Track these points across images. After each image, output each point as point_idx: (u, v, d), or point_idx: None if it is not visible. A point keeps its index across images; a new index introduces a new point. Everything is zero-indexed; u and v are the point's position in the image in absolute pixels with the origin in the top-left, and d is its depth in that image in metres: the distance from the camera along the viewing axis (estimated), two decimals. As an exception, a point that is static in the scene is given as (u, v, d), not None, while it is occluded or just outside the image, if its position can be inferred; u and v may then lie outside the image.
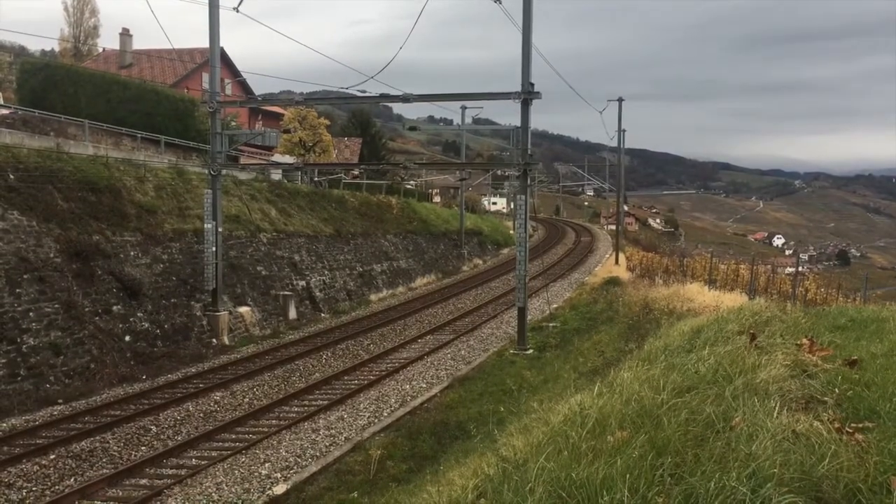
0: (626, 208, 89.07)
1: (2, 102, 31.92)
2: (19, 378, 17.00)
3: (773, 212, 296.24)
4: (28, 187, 20.13)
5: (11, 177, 19.92)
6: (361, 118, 74.30)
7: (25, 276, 18.32)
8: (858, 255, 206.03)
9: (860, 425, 4.18)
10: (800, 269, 28.20)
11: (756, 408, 4.45)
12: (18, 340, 17.38)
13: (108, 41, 59.99)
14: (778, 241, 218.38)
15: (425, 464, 13.16)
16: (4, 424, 15.48)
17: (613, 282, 36.78)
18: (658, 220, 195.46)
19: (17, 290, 17.93)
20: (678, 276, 34.34)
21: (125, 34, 52.37)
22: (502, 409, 14.60)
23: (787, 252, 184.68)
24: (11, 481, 12.58)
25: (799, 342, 6.59)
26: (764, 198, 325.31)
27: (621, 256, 54.04)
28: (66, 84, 34.67)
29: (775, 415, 4.29)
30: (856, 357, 6.19)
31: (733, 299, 23.91)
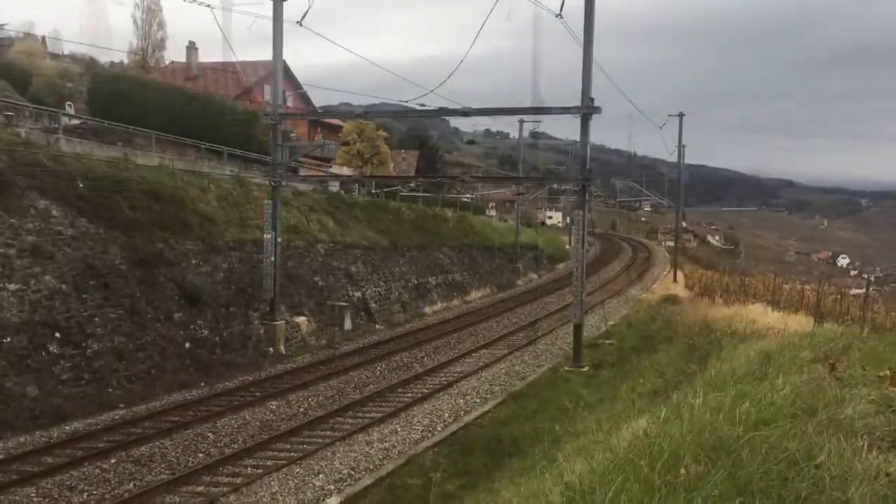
0: (684, 224, 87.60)
1: (73, 113, 32.93)
2: (83, 382, 17.39)
3: (837, 230, 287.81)
4: (96, 196, 20.65)
5: (81, 185, 20.48)
6: (419, 131, 74.77)
7: (91, 283, 18.76)
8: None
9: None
10: (868, 290, 27.21)
11: (843, 446, 4.21)
12: (83, 345, 17.80)
13: (175, 54, 61.58)
14: (843, 261, 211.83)
15: (479, 481, 12.99)
16: (67, 427, 15.82)
17: (671, 299, 36.14)
18: (717, 237, 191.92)
19: (84, 296, 18.38)
20: (739, 295, 33.52)
21: (191, 47, 53.76)
22: (557, 427, 14.30)
23: (853, 273, 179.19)
24: (73, 484, 12.82)
25: (881, 373, 6.27)
26: (828, 216, 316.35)
27: (679, 274, 53.14)
28: (134, 95, 35.60)
29: (864, 454, 4.04)
30: (944, 391, 5.86)
31: (799, 322, 23.21)
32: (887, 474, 3.83)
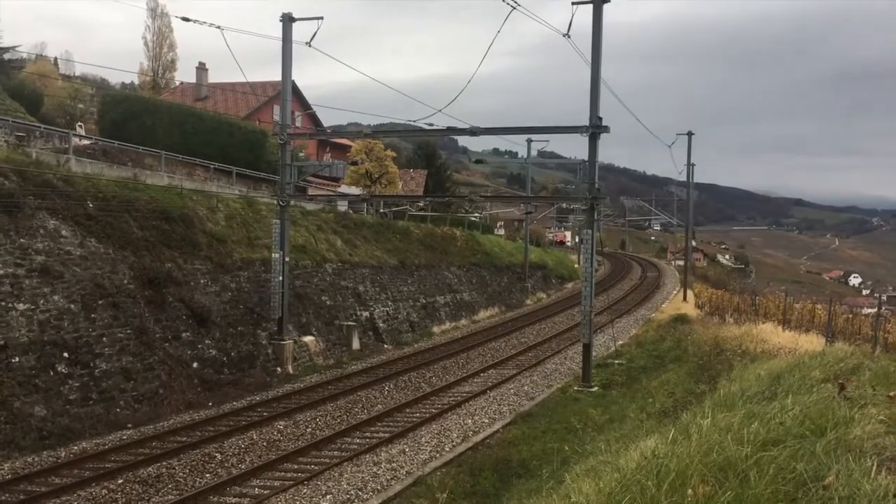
0: (693, 244, 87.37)
1: (83, 133, 33.21)
2: (91, 402, 17.40)
3: (848, 249, 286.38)
4: (106, 215, 20.77)
5: (91, 205, 20.60)
6: (427, 150, 74.91)
7: (100, 302, 18.82)
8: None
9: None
10: (880, 309, 26.98)
11: (851, 466, 4.15)
12: (91, 365, 17.82)
13: (185, 74, 62.20)
14: (854, 280, 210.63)
15: (487, 502, 12.91)
16: (75, 447, 15.81)
17: (681, 319, 35.91)
18: (727, 257, 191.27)
19: (92, 316, 18.43)
20: (749, 314, 33.32)
21: (201, 68, 54.21)
22: (567, 448, 14.20)
23: (864, 292, 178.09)
24: (80, 504, 12.78)
25: (891, 394, 6.20)
26: (839, 235, 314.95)
27: (689, 293, 52.87)
28: (144, 116, 35.93)
29: (873, 475, 3.98)
30: (954, 412, 5.79)
31: (810, 341, 23.03)
32: (895, 496, 3.77)
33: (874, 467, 4.15)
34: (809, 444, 4.84)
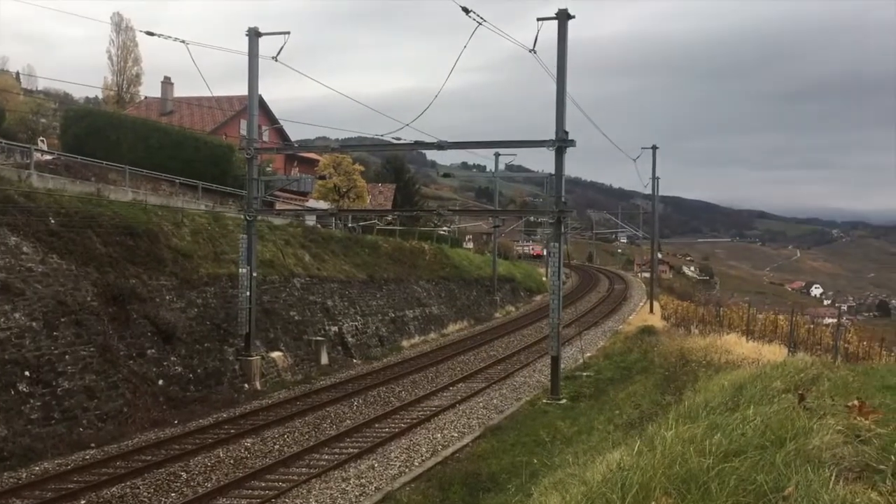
0: (659, 256, 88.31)
1: (46, 148, 32.73)
2: (53, 421, 17.08)
3: (810, 261, 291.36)
4: (68, 231, 20.47)
5: (52, 221, 20.30)
6: (395, 164, 74.96)
7: (63, 320, 18.52)
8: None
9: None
10: (840, 319, 27.55)
11: (810, 477, 4.23)
12: (54, 383, 17.50)
13: (151, 89, 61.54)
14: (816, 290, 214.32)
15: (456, 517, 12.89)
16: (37, 468, 15.50)
17: (648, 330, 36.27)
18: (693, 268, 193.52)
19: (55, 334, 18.12)
20: (714, 325, 33.83)
21: (167, 82, 53.80)
22: (535, 461, 14.24)
23: (826, 302, 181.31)
24: (41, 527, 12.53)
25: (849, 403, 6.34)
26: (801, 246, 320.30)
27: (656, 305, 53.45)
28: (108, 130, 35.52)
29: (831, 485, 4.07)
30: (910, 421, 5.93)
31: (773, 351, 23.43)
32: (853, 505, 3.86)
33: (832, 477, 4.24)
34: (770, 454, 4.93)
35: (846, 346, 24.29)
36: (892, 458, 4.89)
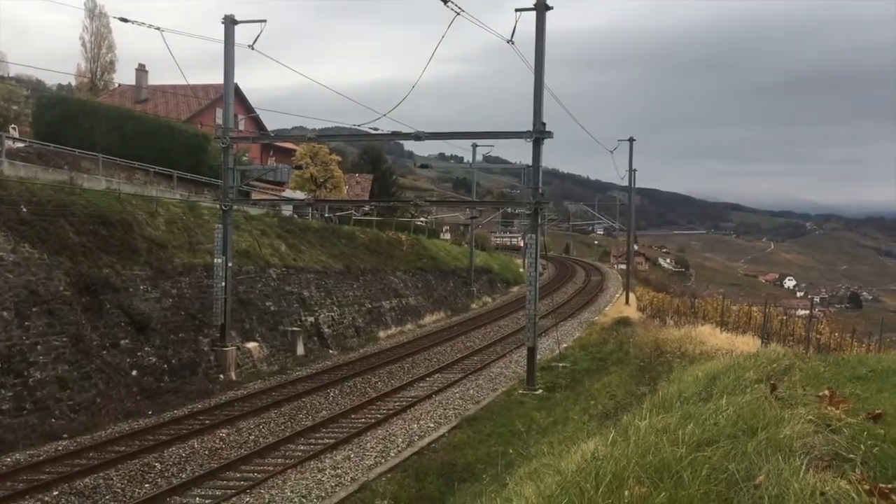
0: (636, 247, 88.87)
1: (17, 136, 32.19)
2: (25, 412, 16.87)
3: (783, 253, 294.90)
4: (40, 220, 20.18)
5: (24, 210, 20.00)
6: (373, 155, 74.74)
7: (34, 309, 18.28)
8: (870, 297, 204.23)
9: (893, 486, 4.01)
10: (812, 311, 27.93)
11: (781, 466, 4.29)
12: (25, 374, 17.28)
13: (125, 77, 60.52)
14: (789, 282, 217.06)
15: (432, 507, 12.91)
16: (8, 459, 15.31)
17: (624, 322, 36.53)
18: (668, 260, 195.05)
19: (26, 323, 17.88)
20: (689, 317, 34.14)
21: (141, 70, 53.11)
22: (511, 451, 14.31)
23: (799, 294, 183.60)
24: (12, 519, 12.39)
25: (820, 393, 6.42)
26: (775, 239, 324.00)
27: (631, 296, 53.83)
28: (82, 118, 34.96)
29: (801, 474, 4.12)
30: (879, 410, 6.02)
31: (746, 342, 23.70)
32: (822, 493, 3.91)
33: (803, 466, 4.29)
34: (742, 443, 4.98)
35: (818, 337, 24.62)
36: (862, 447, 4.96)
